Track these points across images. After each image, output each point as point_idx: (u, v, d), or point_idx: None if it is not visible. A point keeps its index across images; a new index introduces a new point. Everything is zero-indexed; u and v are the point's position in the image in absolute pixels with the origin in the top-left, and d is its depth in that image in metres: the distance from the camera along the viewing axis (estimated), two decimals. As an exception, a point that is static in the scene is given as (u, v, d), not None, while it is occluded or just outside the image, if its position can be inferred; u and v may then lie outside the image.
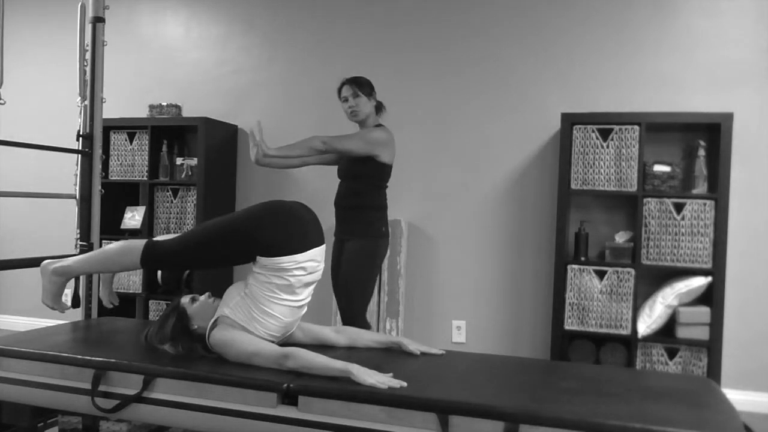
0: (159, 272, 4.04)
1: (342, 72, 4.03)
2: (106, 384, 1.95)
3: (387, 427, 1.68)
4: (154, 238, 2.18)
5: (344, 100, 3.00)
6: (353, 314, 2.88)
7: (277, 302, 2.01)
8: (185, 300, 2.11)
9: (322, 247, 2.10)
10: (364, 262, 2.91)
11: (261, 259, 1.99)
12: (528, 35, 3.74)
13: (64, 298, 4.85)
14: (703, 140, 3.31)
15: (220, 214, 2.27)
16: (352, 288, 2.89)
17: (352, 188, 2.97)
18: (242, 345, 1.93)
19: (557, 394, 1.78)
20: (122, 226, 4.19)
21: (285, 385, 1.77)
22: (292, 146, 2.86)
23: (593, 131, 3.36)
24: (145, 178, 4.13)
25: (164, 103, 4.21)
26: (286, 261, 1.98)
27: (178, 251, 2.09)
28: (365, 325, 2.91)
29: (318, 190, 4.05)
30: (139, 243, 2.10)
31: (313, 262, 2.05)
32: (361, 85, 2.99)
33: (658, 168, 3.31)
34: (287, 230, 2.02)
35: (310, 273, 2.05)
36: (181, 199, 4.10)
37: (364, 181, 2.95)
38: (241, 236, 2.02)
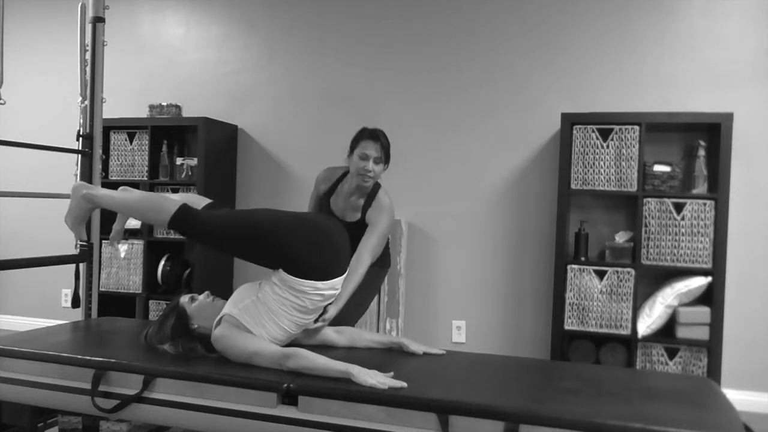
0: (159, 271, 4.04)
1: (341, 71, 4.06)
2: (106, 384, 1.95)
3: (387, 427, 1.68)
4: (188, 199, 2.11)
5: (364, 158, 2.54)
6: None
7: (288, 317, 2.00)
8: (184, 299, 2.10)
9: (344, 276, 2.10)
10: (371, 291, 2.77)
11: (282, 273, 1.97)
12: (528, 35, 3.74)
13: (64, 299, 4.86)
14: (703, 140, 3.31)
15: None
16: (354, 311, 2.67)
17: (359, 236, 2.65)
18: (244, 344, 1.93)
19: (557, 394, 1.78)
20: (122, 226, 4.18)
21: (285, 385, 1.77)
22: (351, 290, 2.44)
23: (593, 131, 3.36)
24: (145, 178, 4.12)
25: (164, 103, 4.20)
26: (307, 285, 1.97)
27: (209, 231, 2.03)
28: None
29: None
30: (173, 205, 2.01)
31: (333, 290, 2.05)
32: (389, 154, 2.62)
33: (658, 168, 3.31)
34: (318, 255, 1.99)
35: (327, 299, 2.06)
36: (181, 199, 4.09)
37: None
38: (272, 243, 1.98)
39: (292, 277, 1.95)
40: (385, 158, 2.59)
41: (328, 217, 2.13)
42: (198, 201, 2.19)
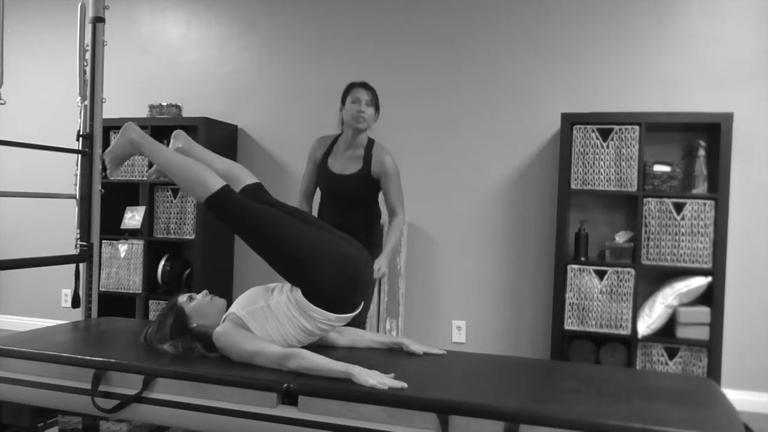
0: (159, 271, 4.04)
1: (342, 71, 4.05)
2: (106, 384, 1.95)
3: (387, 427, 1.68)
4: (233, 171, 2.15)
5: (355, 101, 2.69)
6: None
7: (293, 334, 2.00)
8: (182, 299, 2.10)
9: (358, 310, 2.09)
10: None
11: (299, 295, 1.96)
12: (528, 35, 3.74)
13: (64, 299, 4.86)
14: (703, 140, 3.31)
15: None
16: None
17: (362, 223, 2.75)
18: (245, 344, 1.93)
19: (557, 394, 1.78)
20: (122, 226, 4.18)
21: (285, 385, 1.77)
22: (394, 243, 2.64)
23: (593, 131, 3.36)
24: (145, 178, 4.12)
25: (164, 103, 4.21)
26: (319, 314, 1.97)
27: (244, 222, 2.01)
28: None
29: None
30: (216, 183, 2.00)
31: (342, 321, 2.05)
32: (377, 97, 2.76)
33: (658, 168, 3.31)
34: (343, 290, 1.99)
35: (334, 329, 2.08)
36: (181, 199, 4.10)
37: (374, 209, 2.81)
38: (303, 267, 1.97)
39: (308, 303, 1.95)
40: (376, 104, 2.73)
41: (362, 250, 2.09)
42: (242, 176, 2.18)
